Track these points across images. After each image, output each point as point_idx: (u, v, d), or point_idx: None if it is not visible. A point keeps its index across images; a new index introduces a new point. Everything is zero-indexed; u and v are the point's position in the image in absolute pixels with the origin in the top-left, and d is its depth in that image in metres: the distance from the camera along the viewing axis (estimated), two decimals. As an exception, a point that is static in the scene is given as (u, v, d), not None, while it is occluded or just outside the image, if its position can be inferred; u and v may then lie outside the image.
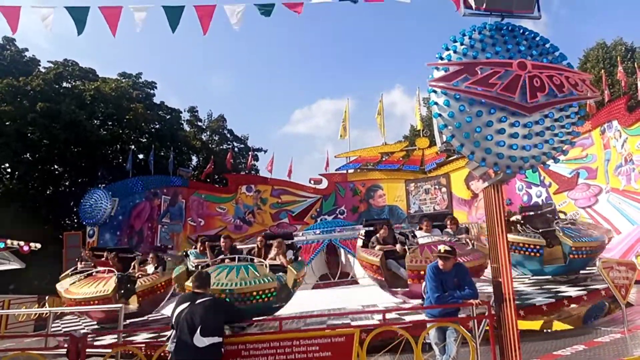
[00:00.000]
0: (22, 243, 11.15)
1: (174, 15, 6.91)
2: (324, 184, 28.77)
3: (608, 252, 11.56)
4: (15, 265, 12.38)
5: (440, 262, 5.48)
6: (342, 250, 17.40)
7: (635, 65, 24.32)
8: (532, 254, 10.11)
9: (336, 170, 29.63)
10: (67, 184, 31.87)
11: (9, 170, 28.55)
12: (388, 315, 6.82)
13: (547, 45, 5.51)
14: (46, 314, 10.92)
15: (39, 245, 11.61)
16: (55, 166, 30.76)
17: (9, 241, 11.01)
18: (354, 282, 15.52)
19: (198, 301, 4.56)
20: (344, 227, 19.52)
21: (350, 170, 29.48)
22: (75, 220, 29.44)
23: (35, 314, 12.30)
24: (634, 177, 15.05)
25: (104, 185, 26.36)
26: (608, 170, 17.07)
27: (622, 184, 15.73)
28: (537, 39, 5.54)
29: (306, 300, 10.40)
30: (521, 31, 5.57)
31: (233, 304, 6.37)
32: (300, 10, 7.06)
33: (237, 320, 5.40)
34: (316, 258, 17.04)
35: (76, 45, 64.34)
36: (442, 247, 5.58)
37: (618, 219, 14.39)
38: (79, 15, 6.59)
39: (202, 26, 6.97)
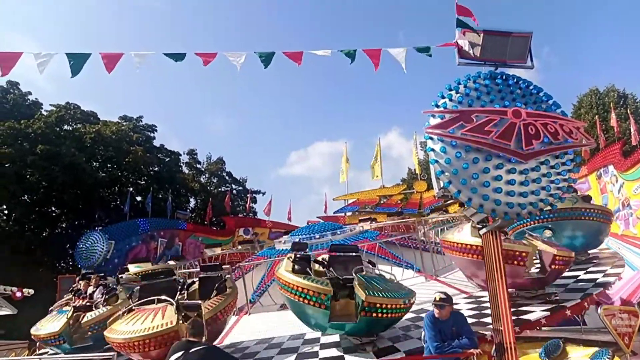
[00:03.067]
0: (14, 289, 10.95)
1: (177, 58, 7.15)
2: (322, 226, 28.60)
3: (609, 298, 11.38)
4: (6, 311, 12.12)
5: (436, 311, 5.40)
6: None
7: (628, 111, 24.78)
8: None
9: (334, 212, 29.59)
10: (63, 225, 31.64)
11: (5, 212, 28.41)
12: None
13: (541, 94, 5.63)
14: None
15: (31, 292, 11.40)
16: (53, 208, 30.65)
17: (1, 287, 10.82)
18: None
19: (192, 350, 4.43)
20: (342, 230, 17.26)
21: (349, 213, 29.42)
22: (71, 263, 29.09)
23: (25, 360, 11.95)
24: (632, 221, 15.03)
25: (100, 227, 26.18)
26: (606, 214, 17.06)
27: (621, 229, 15.68)
28: (531, 87, 5.66)
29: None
30: (515, 80, 5.70)
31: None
32: (300, 61, 7.25)
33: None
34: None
35: (79, 88, 65.60)
36: (437, 295, 5.52)
37: (618, 264, 14.23)
38: (78, 61, 6.73)
39: (203, 63, 7.20)
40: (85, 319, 8.90)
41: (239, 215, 37.40)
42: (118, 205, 31.52)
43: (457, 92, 5.38)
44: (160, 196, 32.35)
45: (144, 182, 34.71)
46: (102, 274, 11.32)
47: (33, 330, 9.27)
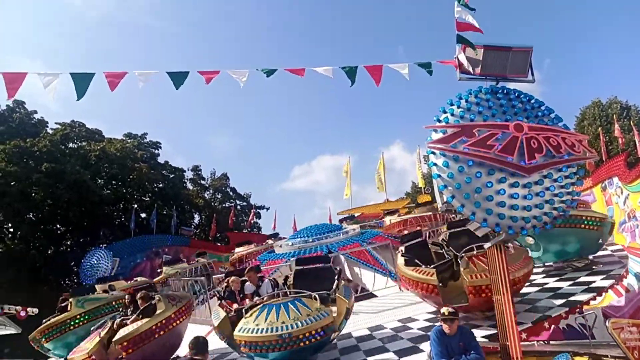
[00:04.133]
0: (19, 308, 10.98)
1: (178, 79, 7.18)
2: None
3: (616, 311, 11.26)
4: (11, 330, 12.14)
5: (445, 326, 5.33)
6: (342, 259, 14.16)
7: (631, 123, 24.78)
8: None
9: (338, 227, 29.45)
10: (68, 243, 31.70)
11: (11, 230, 28.49)
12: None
13: (543, 108, 5.65)
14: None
15: (36, 311, 11.41)
16: (58, 225, 30.73)
17: (6, 306, 10.87)
18: (371, 295, 12.33)
19: (197, 368, 4.44)
20: (339, 231, 16.39)
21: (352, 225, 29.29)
22: (75, 281, 29.04)
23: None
24: (638, 233, 14.91)
25: (105, 244, 26.20)
26: (612, 226, 16.95)
27: (627, 241, 15.54)
28: (532, 101, 5.68)
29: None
30: (516, 94, 5.72)
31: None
32: (303, 73, 7.35)
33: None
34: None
35: (84, 106, 66.19)
36: (445, 310, 5.45)
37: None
38: (83, 81, 6.81)
39: (206, 81, 7.27)
40: None
41: (243, 230, 37.32)
42: (123, 222, 31.57)
43: (458, 107, 5.40)
44: (164, 213, 32.40)
45: (148, 198, 34.79)
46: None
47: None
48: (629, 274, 13.85)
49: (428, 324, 8.30)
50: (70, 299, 10.50)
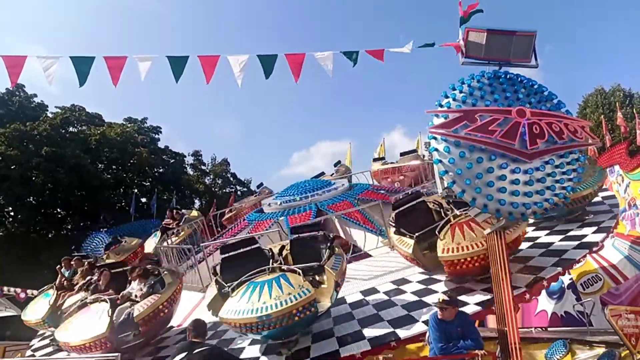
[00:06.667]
0: (18, 290, 11.08)
1: (178, 65, 7.06)
2: (326, 227, 28.41)
3: (614, 299, 11.30)
4: (11, 312, 12.25)
5: (439, 313, 5.37)
6: (334, 218, 13.48)
7: (634, 111, 24.64)
8: None
9: (339, 213, 29.35)
10: (69, 227, 31.78)
11: (11, 214, 28.54)
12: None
13: (546, 93, 5.60)
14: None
15: (35, 292, 11.53)
16: (58, 210, 30.80)
17: (5, 288, 10.98)
18: (366, 255, 11.18)
19: (195, 351, 4.46)
20: (328, 187, 15.62)
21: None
22: (75, 264, 29.16)
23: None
24: (638, 221, 14.90)
25: (105, 229, 26.24)
26: (612, 214, 16.92)
27: (627, 229, 15.52)
28: (535, 86, 5.63)
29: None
30: (519, 79, 5.66)
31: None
32: (299, 72, 7.25)
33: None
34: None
35: (84, 90, 65.70)
36: (440, 297, 5.49)
37: (624, 264, 14.14)
38: (83, 66, 6.72)
39: (205, 75, 7.12)
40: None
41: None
42: (123, 207, 31.59)
43: (460, 92, 5.35)
44: (165, 197, 32.37)
45: (148, 183, 34.78)
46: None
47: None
48: (628, 262, 13.87)
49: (422, 286, 7.70)
50: None
